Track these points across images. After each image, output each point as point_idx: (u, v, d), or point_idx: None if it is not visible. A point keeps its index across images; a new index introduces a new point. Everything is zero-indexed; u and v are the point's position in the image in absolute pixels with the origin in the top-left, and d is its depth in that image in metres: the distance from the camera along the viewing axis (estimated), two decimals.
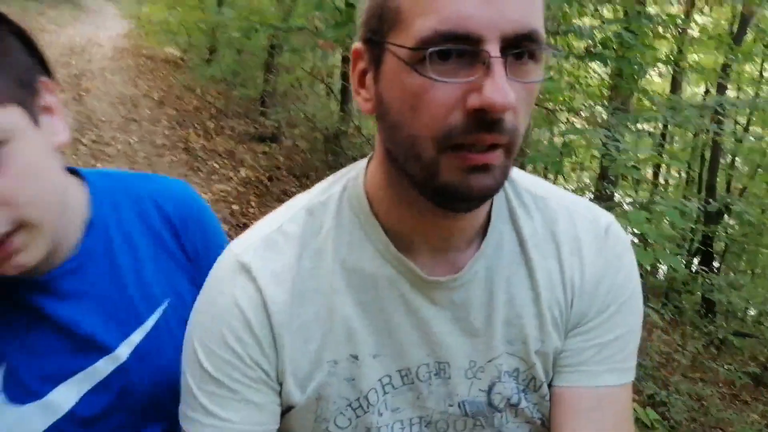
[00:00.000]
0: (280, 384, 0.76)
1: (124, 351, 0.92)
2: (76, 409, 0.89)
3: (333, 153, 7.36)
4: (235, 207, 5.74)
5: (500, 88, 0.58)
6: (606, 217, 0.86)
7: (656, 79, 10.40)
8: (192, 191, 1.08)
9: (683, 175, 12.19)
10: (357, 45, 0.71)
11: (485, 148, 0.62)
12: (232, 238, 0.85)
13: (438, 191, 0.66)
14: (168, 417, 0.92)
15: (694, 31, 9.47)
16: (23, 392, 0.88)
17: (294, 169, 7.31)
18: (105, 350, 0.90)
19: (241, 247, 0.77)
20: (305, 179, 6.89)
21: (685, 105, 5.11)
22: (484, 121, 0.60)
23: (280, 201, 5.80)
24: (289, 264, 0.75)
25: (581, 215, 0.83)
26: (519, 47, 0.61)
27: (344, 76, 7.41)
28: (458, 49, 0.60)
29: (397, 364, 0.77)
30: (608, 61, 4.17)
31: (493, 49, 0.59)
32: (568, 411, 0.81)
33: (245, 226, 5.52)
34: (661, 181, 12.40)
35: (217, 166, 6.75)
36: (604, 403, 0.80)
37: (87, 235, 0.92)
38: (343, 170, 0.83)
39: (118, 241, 0.95)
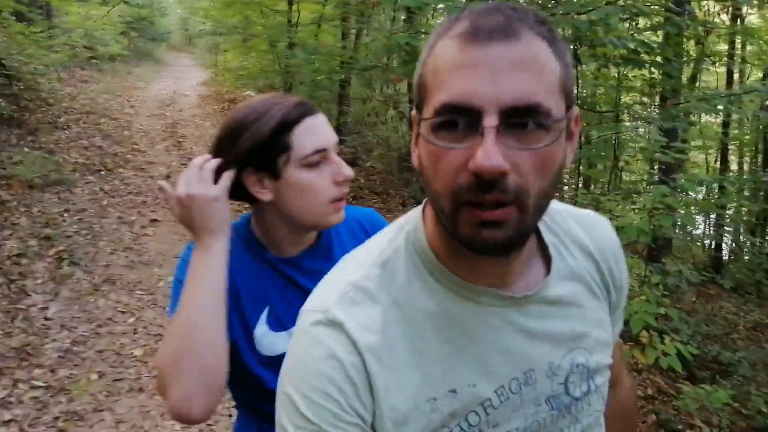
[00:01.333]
0: (374, 429, 0.79)
1: None
2: None
3: (407, 170, 8.01)
4: None
5: (487, 153, 0.66)
6: (603, 218, 1.02)
7: (713, 71, 10.61)
8: (374, 212, 1.52)
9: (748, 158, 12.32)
10: (413, 112, 0.82)
11: (493, 206, 0.69)
12: None
13: (461, 241, 0.74)
14: None
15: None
16: (278, 324, 1.30)
17: (375, 188, 8.03)
18: None
19: (324, 305, 0.81)
20: (386, 195, 7.58)
21: (722, 93, 5.47)
22: (483, 182, 0.68)
23: None
24: (375, 317, 0.79)
25: (593, 222, 0.99)
26: (522, 118, 0.69)
27: (411, 101, 8.08)
28: (463, 119, 0.69)
29: (492, 385, 0.82)
30: (645, 65, 4.65)
31: (491, 120, 0.67)
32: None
33: None
34: (734, 166, 12.49)
35: None
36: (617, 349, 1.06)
37: (319, 235, 1.38)
38: (400, 222, 0.91)
39: (336, 241, 1.39)
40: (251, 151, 1.21)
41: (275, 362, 1.06)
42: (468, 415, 0.80)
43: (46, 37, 10.24)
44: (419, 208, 0.88)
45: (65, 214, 5.83)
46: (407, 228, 0.87)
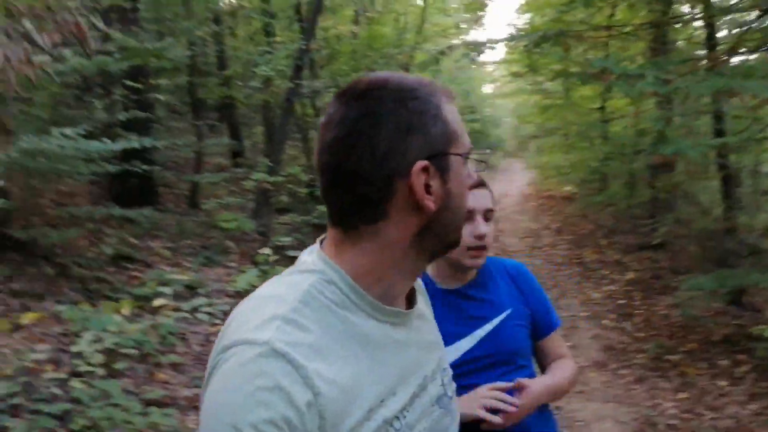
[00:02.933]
0: None
1: (488, 328, 1.76)
2: (471, 350, 1.73)
3: (719, 250, 7.73)
4: (620, 302, 6.81)
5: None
6: None
7: None
8: (522, 265, 1.95)
9: None
10: (421, 164, 0.89)
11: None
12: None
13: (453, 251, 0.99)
14: (505, 365, 1.72)
15: None
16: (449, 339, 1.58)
17: (678, 268, 8.00)
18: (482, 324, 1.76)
19: (261, 338, 0.81)
20: (689, 273, 7.51)
21: None
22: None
23: (663, 293, 6.66)
24: (311, 343, 0.82)
25: None
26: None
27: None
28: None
29: (407, 393, 0.93)
30: None
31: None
32: None
33: (629, 315, 6.55)
34: None
35: (606, 272, 7.94)
36: None
37: (480, 272, 1.80)
38: (302, 262, 0.96)
39: (492, 278, 1.82)
40: None
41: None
42: (393, 422, 0.89)
43: None
44: (315, 252, 0.95)
45: None
46: (315, 268, 0.92)
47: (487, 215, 1.76)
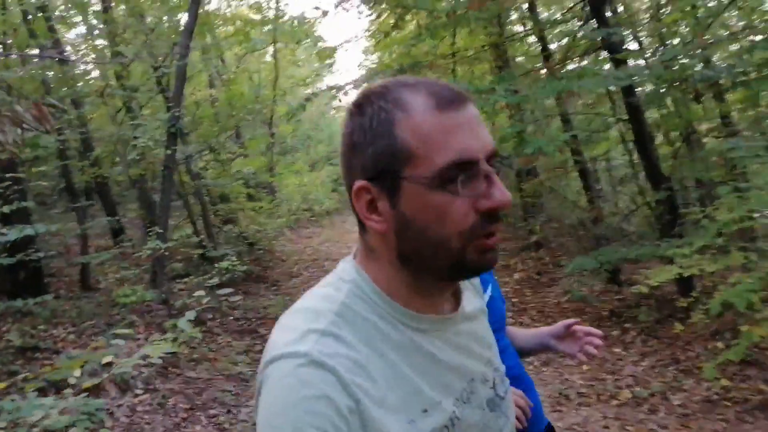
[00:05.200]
0: None
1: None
2: None
3: (590, 237, 8.58)
4: (514, 300, 7.43)
5: (503, 191, 0.85)
6: None
7: None
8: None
9: None
10: (361, 183, 0.89)
11: (495, 233, 0.88)
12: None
13: (464, 270, 0.90)
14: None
15: None
16: None
17: (558, 261, 8.79)
18: None
19: (301, 350, 0.83)
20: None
21: None
22: (493, 216, 0.86)
23: (550, 286, 7.37)
24: (350, 356, 0.84)
25: None
26: (492, 160, 0.88)
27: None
28: (464, 171, 0.84)
29: (451, 399, 0.93)
30: None
31: (484, 165, 0.85)
32: None
33: (524, 310, 7.16)
34: None
35: (495, 277, 8.58)
36: None
37: None
38: (337, 274, 0.98)
39: None
40: None
41: None
42: (442, 430, 0.89)
43: (273, 208, 12.66)
44: (350, 261, 0.98)
45: None
46: (348, 278, 0.94)
47: None
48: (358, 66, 28.72)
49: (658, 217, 6.58)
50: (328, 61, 24.06)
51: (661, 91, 5.49)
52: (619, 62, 5.70)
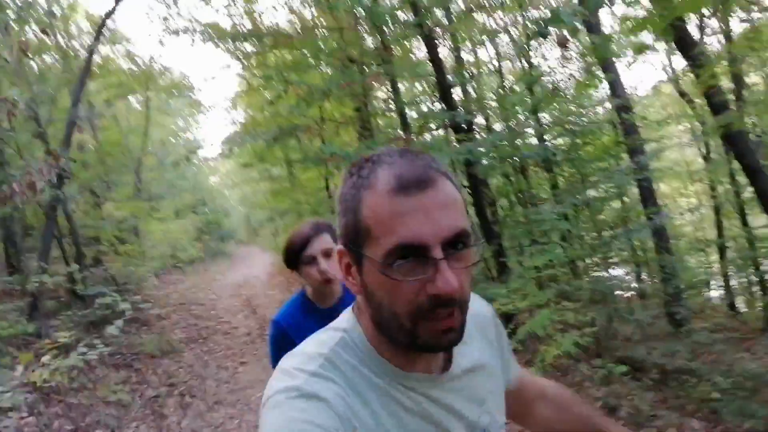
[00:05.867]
0: None
1: None
2: None
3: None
4: None
5: (446, 280, 0.86)
6: (485, 303, 1.26)
7: None
8: None
9: None
10: (340, 247, 0.97)
11: (447, 315, 0.89)
12: None
13: (420, 348, 0.93)
14: None
15: None
16: None
17: None
18: None
19: (294, 385, 0.91)
20: None
21: None
22: (441, 301, 0.87)
23: None
24: (338, 393, 0.92)
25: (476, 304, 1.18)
26: (455, 244, 0.89)
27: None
28: (413, 256, 0.87)
29: None
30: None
31: (437, 252, 0.87)
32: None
33: None
34: None
35: None
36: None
37: (342, 296, 2.32)
38: (335, 324, 1.06)
39: (347, 302, 2.18)
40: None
41: None
42: None
43: (141, 252, 12.96)
44: (350, 312, 1.05)
45: (180, 370, 7.92)
46: (342, 327, 1.03)
47: (327, 252, 2.28)
48: (227, 120, 29.22)
49: (491, 267, 7.90)
50: (200, 114, 24.76)
51: (493, 164, 6.85)
52: (462, 138, 7.00)
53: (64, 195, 8.36)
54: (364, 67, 8.58)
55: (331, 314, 2.20)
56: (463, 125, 7.02)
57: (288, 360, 0.99)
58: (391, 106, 9.40)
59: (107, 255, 11.63)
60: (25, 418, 5.80)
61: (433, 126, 8.52)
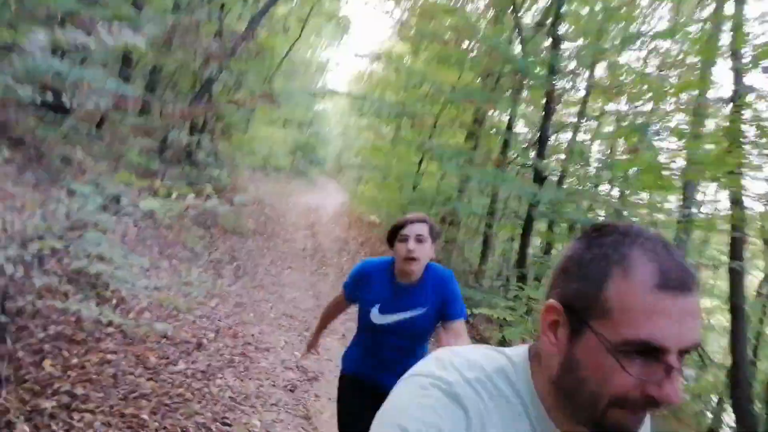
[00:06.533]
0: None
1: (415, 312, 2.67)
2: (397, 322, 2.69)
3: (468, 286, 11.27)
4: None
5: (676, 391, 0.83)
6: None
7: None
8: (450, 273, 2.73)
9: None
10: (554, 302, 0.92)
11: (642, 412, 0.86)
12: None
13: (599, 427, 0.88)
14: (407, 338, 2.68)
15: None
16: (385, 311, 2.67)
17: None
18: (413, 310, 2.66)
19: (445, 379, 0.93)
20: None
21: None
22: (653, 402, 0.84)
23: None
24: (479, 404, 0.93)
25: None
26: (683, 355, 0.85)
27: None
28: (647, 354, 0.84)
29: None
30: None
31: (675, 360, 0.83)
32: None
33: None
34: None
35: None
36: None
37: (422, 275, 2.67)
38: (510, 351, 1.03)
39: (426, 281, 2.66)
40: None
41: (378, 326, 2.66)
42: None
43: (249, 145, 14.83)
44: (525, 349, 1.02)
45: (242, 250, 9.67)
46: (514, 358, 1.01)
47: (419, 239, 2.62)
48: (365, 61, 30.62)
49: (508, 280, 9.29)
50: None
51: (546, 212, 8.20)
52: (538, 182, 8.34)
53: (217, 75, 10.09)
54: (498, 85, 9.97)
55: (401, 291, 2.70)
56: (544, 174, 8.34)
57: (448, 354, 1.00)
58: (495, 129, 10.76)
59: (224, 135, 13.49)
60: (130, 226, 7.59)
61: (518, 163, 9.86)
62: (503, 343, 6.98)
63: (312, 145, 31.80)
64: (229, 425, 4.07)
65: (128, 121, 9.22)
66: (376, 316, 2.70)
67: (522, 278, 8.48)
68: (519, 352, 1.03)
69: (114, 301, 5.30)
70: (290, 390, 5.08)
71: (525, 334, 6.33)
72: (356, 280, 2.83)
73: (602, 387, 0.86)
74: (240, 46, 9.55)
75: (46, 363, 3.82)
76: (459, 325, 2.63)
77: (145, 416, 3.69)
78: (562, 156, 9.55)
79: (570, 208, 7.80)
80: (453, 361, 0.98)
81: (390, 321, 2.69)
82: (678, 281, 0.84)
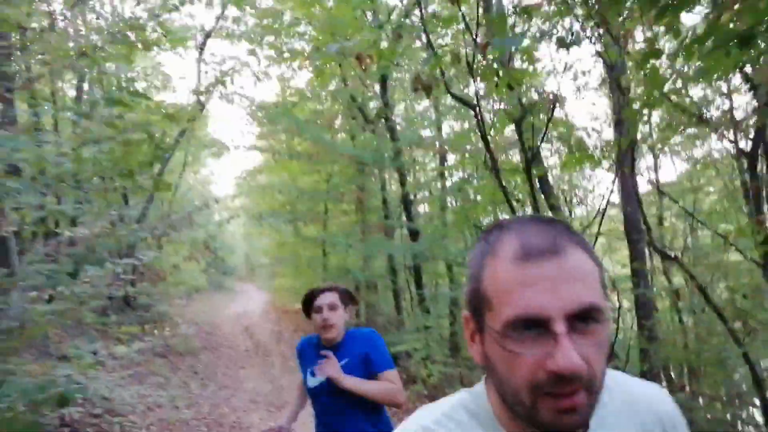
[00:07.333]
0: None
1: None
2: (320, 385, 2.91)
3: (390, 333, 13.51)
4: None
5: (566, 356, 0.77)
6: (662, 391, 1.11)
7: None
8: (372, 331, 3.03)
9: None
10: (465, 314, 0.94)
11: (570, 394, 0.79)
12: None
13: (540, 427, 0.84)
14: (339, 395, 2.80)
15: None
16: (314, 374, 2.90)
17: None
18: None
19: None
20: None
21: None
22: (561, 378, 0.78)
23: None
24: None
25: (651, 395, 1.07)
26: (585, 317, 0.81)
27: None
28: (533, 328, 0.80)
29: None
30: None
31: (560, 326, 0.79)
32: None
33: None
34: None
35: None
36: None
37: (345, 337, 2.96)
38: (465, 392, 1.02)
39: (348, 341, 2.94)
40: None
41: (312, 389, 2.91)
42: None
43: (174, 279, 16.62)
44: (481, 384, 1.00)
45: (199, 365, 11.52)
46: (470, 391, 1.00)
47: (332, 306, 2.89)
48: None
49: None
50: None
51: (424, 259, 10.73)
52: (412, 238, 10.80)
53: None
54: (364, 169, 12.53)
55: (333, 350, 2.91)
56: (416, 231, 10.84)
57: (415, 413, 1.02)
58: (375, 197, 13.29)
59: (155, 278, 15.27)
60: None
61: (397, 225, 12.36)
62: (431, 376, 9.19)
63: (221, 257, 33.24)
64: None
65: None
66: (310, 380, 2.98)
67: (427, 311, 10.84)
68: (479, 383, 1.01)
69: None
70: None
71: (425, 352, 8.60)
72: (298, 358, 3.14)
73: (513, 378, 0.84)
74: (148, 207, 11.54)
75: None
76: (389, 375, 2.86)
77: None
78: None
79: (438, 250, 10.26)
80: (414, 417, 1.00)
81: (318, 381, 2.92)
82: (540, 248, 0.83)
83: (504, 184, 4.81)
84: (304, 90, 15.03)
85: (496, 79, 3.62)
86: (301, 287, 18.48)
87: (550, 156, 10.72)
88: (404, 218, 11.57)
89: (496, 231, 0.90)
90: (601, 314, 0.82)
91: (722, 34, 2.66)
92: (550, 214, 7.98)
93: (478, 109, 4.32)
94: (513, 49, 3.86)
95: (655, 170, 12.48)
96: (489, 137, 4.67)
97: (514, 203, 4.99)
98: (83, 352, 7.67)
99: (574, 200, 11.93)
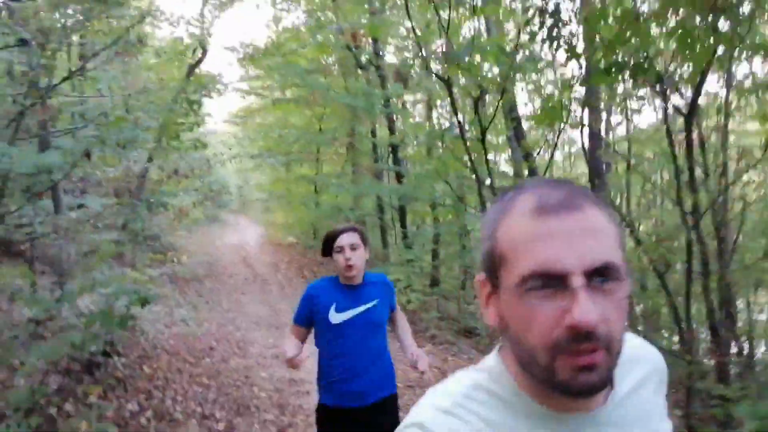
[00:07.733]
0: None
1: (369, 305, 3.01)
2: (357, 315, 3.00)
3: None
4: None
5: (583, 310, 0.76)
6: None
7: None
8: (385, 276, 3.18)
9: None
10: (480, 276, 0.93)
11: (588, 351, 0.78)
12: None
13: (557, 388, 0.82)
14: (365, 330, 2.99)
15: None
16: (341, 310, 2.96)
17: None
18: (366, 304, 3.01)
19: (419, 420, 0.91)
20: None
21: None
22: (580, 333, 0.77)
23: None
24: (469, 430, 0.89)
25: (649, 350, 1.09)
26: (602, 275, 0.79)
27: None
28: (551, 283, 0.79)
29: None
30: None
31: (578, 280, 0.78)
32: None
33: None
34: None
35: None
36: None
37: (363, 279, 3.04)
38: (479, 365, 1.00)
39: (369, 283, 3.08)
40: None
41: (338, 324, 2.91)
42: None
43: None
44: (494, 353, 0.98)
45: (204, 288, 12.80)
46: (486, 367, 0.97)
47: (353, 247, 2.88)
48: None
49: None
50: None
51: (407, 201, 11.93)
52: (398, 180, 11.95)
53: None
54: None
55: (350, 292, 2.97)
56: (402, 174, 11.97)
57: (429, 394, 0.98)
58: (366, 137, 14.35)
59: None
60: None
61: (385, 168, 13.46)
62: (410, 302, 10.46)
63: (217, 190, 34.08)
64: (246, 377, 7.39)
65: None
66: (334, 316, 2.96)
67: (409, 247, 12.10)
68: (492, 355, 0.99)
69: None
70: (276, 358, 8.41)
71: (407, 282, 9.90)
72: (307, 302, 3.07)
73: (530, 337, 0.82)
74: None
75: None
76: (399, 312, 3.21)
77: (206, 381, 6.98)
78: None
79: (424, 192, 11.39)
80: (430, 399, 0.96)
81: (347, 317, 2.94)
82: (558, 202, 0.82)
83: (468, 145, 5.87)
84: (298, 31, 15.78)
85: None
86: (294, 223, 19.73)
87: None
88: (391, 162, 12.68)
89: (511, 192, 0.90)
90: (620, 273, 0.82)
91: None
92: (523, 162, 9.10)
93: (449, 85, 5.40)
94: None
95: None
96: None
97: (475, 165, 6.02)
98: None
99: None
